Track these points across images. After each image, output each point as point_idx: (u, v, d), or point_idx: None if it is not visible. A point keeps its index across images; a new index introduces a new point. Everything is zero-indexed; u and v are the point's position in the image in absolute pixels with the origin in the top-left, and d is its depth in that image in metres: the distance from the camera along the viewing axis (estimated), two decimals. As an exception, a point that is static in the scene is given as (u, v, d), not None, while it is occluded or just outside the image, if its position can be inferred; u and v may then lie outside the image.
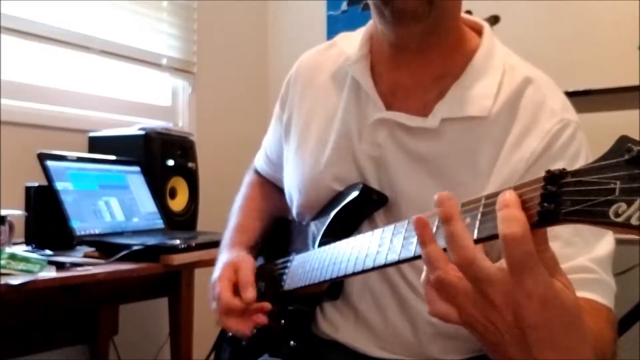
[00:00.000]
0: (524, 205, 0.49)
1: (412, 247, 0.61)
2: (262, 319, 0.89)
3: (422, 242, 0.55)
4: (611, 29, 2.14)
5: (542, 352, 0.51)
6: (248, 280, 0.91)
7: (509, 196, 0.50)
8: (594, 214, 0.44)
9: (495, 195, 0.52)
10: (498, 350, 0.54)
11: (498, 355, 0.55)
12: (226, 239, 1.08)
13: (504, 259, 0.49)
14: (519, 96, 0.84)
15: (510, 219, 0.49)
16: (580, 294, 0.68)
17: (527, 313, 0.49)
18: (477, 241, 0.52)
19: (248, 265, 0.94)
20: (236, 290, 0.91)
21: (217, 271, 0.96)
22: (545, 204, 0.48)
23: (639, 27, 2.02)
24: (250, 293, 0.89)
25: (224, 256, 1.00)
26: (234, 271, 0.94)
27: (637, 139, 0.45)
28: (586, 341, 0.53)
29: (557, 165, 0.77)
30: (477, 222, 0.53)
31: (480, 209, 0.54)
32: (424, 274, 0.56)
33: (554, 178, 0.48)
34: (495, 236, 0.51)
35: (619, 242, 0.79)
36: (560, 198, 0.47)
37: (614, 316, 0.75)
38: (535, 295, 0.49)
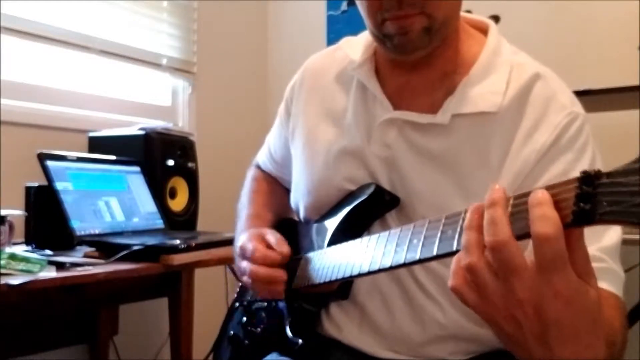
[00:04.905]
0: (558, 205, 0.50)
1: (434, 247, 0.61)
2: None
3: (468, 225, 0.55)
4: (611, 29, 2.14)
5: (561, 348, 0.52)
6: (279, 238, 0.93)
7: (542, 195, 0.50)
8: (630, 215, 0.45)
9: (525, 195, 0.52)
10: (516, 342, 0.54)
11: (516, 347, 0.55)
12: (242, 225, 1.07)
13: (534, 257, 0.50)
14: (528, 91, 0.85)
15: (544, 218, 0.49)
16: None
17: (550, 310, 0.50)
18: None
19: (274, 231, 0.96)
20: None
21: (242, 239, 0.96)
22: (581, 204, 0.48)
23: (639, 27, 2.02)
24: (285, 247, 0.91)
25: (247, 232, 1.00)
26: (262, 236, 0.95)
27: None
28: (602, 337, 0.54)
29: (565, 157, 0.80)
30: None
31: (509, 209, 0.54)
32: (456, 255, 0.56)
33: (589, 179, 0.48)
34: (525, 235, 0.51)
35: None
36: (596, 199, 0.47)
37: (624, 304, 0.76)
38: (561, 295, 0.49)
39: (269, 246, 0.92)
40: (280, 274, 0.89)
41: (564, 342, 0.51)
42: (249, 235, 0.96)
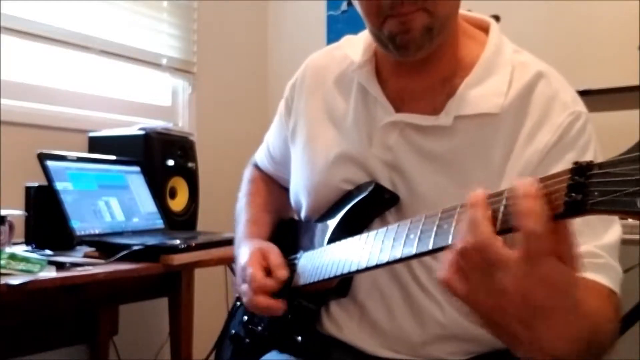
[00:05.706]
0: (550, 196, 0.51)
1: (430, 241, 0.62)
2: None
3: (473, 203, 0.56)
4: (611, 29, 2.14)
5: (544, 329, 0.54)
6: (279, 262, 0.92)
7: (528, 187, 0.51)
8: (621, 204, 0.45)
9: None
10: (499, 326, 0.56)
11: (502, 334, 0.57)
12: (241, 232, 1.08)
13: (519, 248, 0.51)
14: (531, 91, 0.84)
15: (529, 210, 0.50)
16: (584, 275, 0.69)
17: (537, 296, 0.52)
18: (499, 233, 0.54)
19: (275, 250, 0.96)
20: (267, 273, 0.92)
21: (244, 257, 0.96)
22: (573, 195, 0.49)
23: (639, 27, 2.02)
24: (283, 273, 0.91)
25: (247, 246, 0.99)
26: (263, 256, 0.94)
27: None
28: (585, 322, 0.56)
29: (568, 156, 0.80)
30: (500, 215, 0.54)
31: (503, 202, 0.55)
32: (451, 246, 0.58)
33: (581, 170, 0.49)
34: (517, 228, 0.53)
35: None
36: (588, 189, 0.48)
37: (618, 299, 0.75)
38: (547, 282, 0.51)
39: (268, 267, 0.92)
40: (279, 306, 0.89)
41: (547, 324, 0.54)
42: (249, 254, 0.95)
